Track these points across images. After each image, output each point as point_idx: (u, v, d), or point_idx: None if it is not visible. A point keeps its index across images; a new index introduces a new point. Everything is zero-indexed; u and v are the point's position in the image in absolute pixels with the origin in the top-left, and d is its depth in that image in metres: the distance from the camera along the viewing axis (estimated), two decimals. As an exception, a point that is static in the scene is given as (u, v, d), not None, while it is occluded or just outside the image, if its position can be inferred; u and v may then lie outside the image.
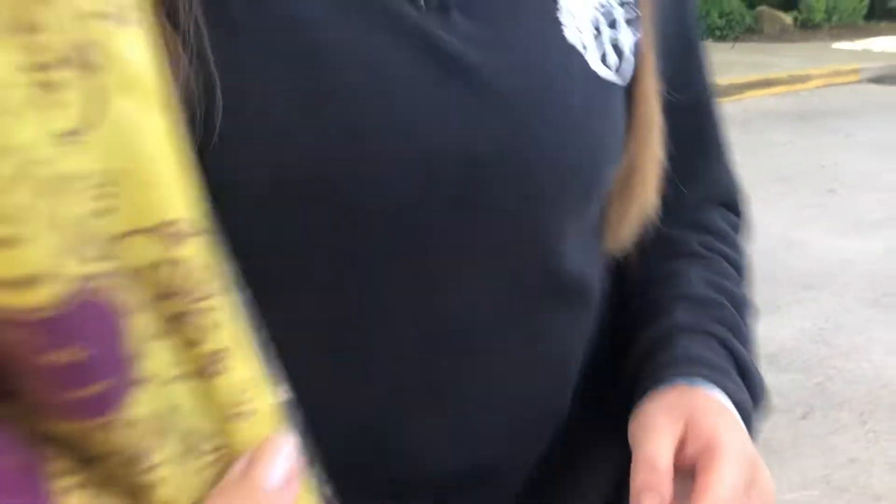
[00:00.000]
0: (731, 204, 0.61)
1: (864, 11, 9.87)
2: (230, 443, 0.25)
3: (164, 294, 0.22)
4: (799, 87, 7.16)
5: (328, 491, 0.31)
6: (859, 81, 7.41)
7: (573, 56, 0.44)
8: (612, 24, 0.47)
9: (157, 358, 0.22)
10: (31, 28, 0.18)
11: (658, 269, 0.57)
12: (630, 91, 0.48)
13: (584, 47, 0.45)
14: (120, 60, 0.21)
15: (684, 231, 0.58)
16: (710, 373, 0.49)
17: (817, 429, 2.27)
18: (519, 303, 0.46)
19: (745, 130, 5.53)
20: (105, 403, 0.21)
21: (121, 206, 0.21)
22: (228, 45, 0.37)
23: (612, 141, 0.47)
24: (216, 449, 0.25)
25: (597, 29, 0.46)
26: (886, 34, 9.20)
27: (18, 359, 0.19)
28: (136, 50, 0.21)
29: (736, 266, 0.58)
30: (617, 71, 0.47)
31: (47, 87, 0.19)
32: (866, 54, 8.21)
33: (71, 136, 0.19)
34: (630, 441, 0.46)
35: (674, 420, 0.45)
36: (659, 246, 0.55)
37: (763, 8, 10.41)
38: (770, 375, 2.03)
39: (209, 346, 0.23)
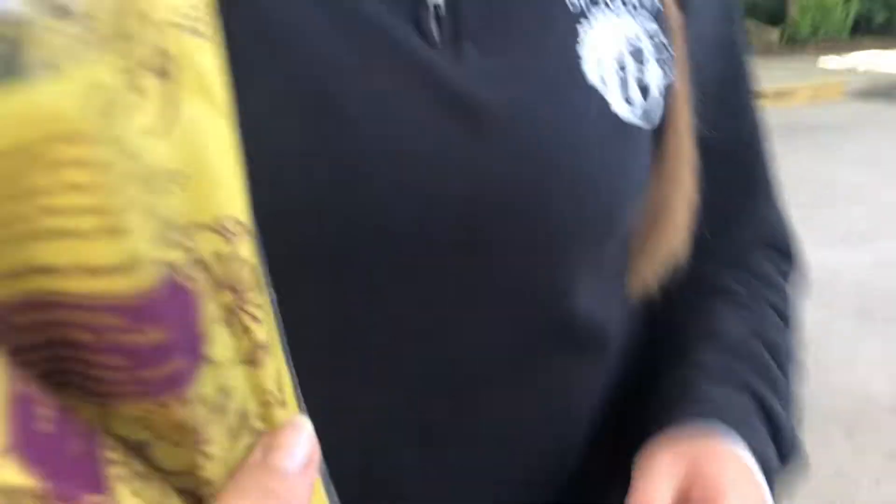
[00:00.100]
0: (779, 246, 0.56)
1: (850, 27, 9.96)
2: (270, 427, 0.27)
3: (223, 285, 0.24)
4: (785, 101, 7.21)
5: (334, 493, 0.31)
6: (845, 96, 7.46)
7: (591, 95, 0.42)
8: (640, 60, 0.44)
9: (218, 341, 0.24)
10: (128, 37, 0.20)
11: (688, 306, 0.52)
12: (659, 130, 0.46)
13: (605, 83, 0.43)
14: (194, 68, 0.23)
15: (720, 268, 0.54)
16: (730, 420, 0.45)
17: (804, 442, 2.27)
18: (523, 346, 0.44)
19: (733, 145, 5.54)
20: (180, 380, 0.22)
21: (191, 200, 0.22)
22: (232, 73, 0.37)
23: (630, 186, 0.44)
24: (258, 433, 0.26)
25: (622, 67, 0.43)
26: (872, 49, 9.29)
27: (103, 341, 0.20)
28: (207, 60, 0.23)
29: (780, 313, 0.53)
30: (641, 110, 0.44)
31: (138, 89, 0.20)
32: (852, 69, 8.28)
33: (154, 134, 0.21)
34: (632, 482, 0.44)
35: (676, 462, 0.43)
36: (691, 284, 0.51)
37: (749, 23, 10.51)
38: (756, 389, 2.02)
39: (256, 337, 0.25)
